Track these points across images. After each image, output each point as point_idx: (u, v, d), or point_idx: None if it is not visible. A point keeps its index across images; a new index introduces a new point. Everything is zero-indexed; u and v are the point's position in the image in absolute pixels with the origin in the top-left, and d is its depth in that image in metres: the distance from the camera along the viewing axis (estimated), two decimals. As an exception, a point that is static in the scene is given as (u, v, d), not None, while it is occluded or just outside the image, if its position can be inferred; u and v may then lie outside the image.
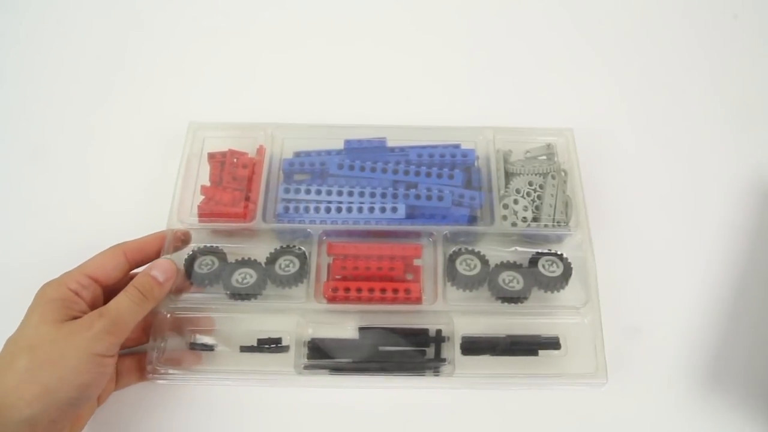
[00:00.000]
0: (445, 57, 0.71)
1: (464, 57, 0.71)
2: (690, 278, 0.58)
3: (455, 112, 0.67)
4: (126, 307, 0.46)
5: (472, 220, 0.58)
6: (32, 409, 0.41)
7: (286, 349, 0.52)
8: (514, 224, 0.56)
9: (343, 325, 0.54)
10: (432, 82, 0.69)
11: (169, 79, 0.70)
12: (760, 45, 0.72)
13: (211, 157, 0.61)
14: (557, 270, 0.55)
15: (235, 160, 0.60)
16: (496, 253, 0.56)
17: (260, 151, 0.60)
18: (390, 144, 0.61)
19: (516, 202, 0.57)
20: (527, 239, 0.57)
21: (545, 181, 0.58)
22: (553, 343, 0.53)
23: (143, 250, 0.52)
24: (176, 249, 0.54)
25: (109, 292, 0.48)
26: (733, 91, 0.69)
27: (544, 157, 0.60)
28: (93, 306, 0.47)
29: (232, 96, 0.68)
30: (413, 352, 0.53)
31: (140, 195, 0.62)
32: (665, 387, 0.53)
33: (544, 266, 0.55)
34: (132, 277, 0.50)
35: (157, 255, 0.52)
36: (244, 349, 0.52)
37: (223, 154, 0.60)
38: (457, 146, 0.60)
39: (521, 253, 0.56)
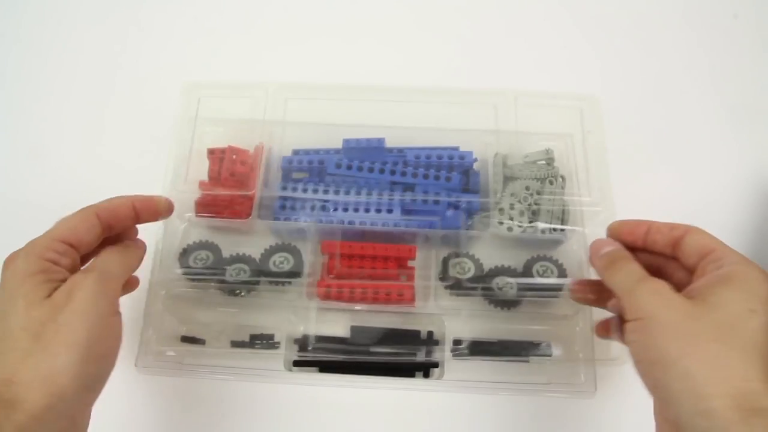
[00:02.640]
0: (446, 58, 0.71)
1: (464, 59, 0.70)
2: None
3: (455, 113, 0.66)
4: (111, 257, 0.42)
5: (468, 223, 0.58)
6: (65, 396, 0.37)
7: (276, 345, 0.52)
8: (509, 229, 0.56)
9: (335, 324, 0.54)
10: (432, 83, 0.69)
11: (170, 76, 0.69)
12: (760, 45, 0.71)
13: (211, 152, 0.61)
14: (552, 276, 0.54)
15: (234, 156, 0.60)
16: (491, 257, 0.56)
17: (259, 148, 0.61)
18: (389, 144, 0.61)
19: (512, 206, 0.56)
20: (522, 244, 0.57)
21: (543, 186, 0.58)
22: (544, 350, 0.53)
23: (115, 212, 0.44)
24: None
25: (86, 260, 0.43)
26: (733, 91, 0.68)
27: (543, 162, 0.60)
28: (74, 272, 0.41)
29: (233, 93, 0.67)
30: (404, 354, 0.53)
31: (138, 189, 0.61)
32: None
33: (538, 272, 0.54)
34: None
35: (130, 219, 0.46)
36: (235, 344, 0.52)
37: (222, 151, 0.60)
38: (455, 149, 0.60)
39: (516, 257, 0.56)
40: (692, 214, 0.60)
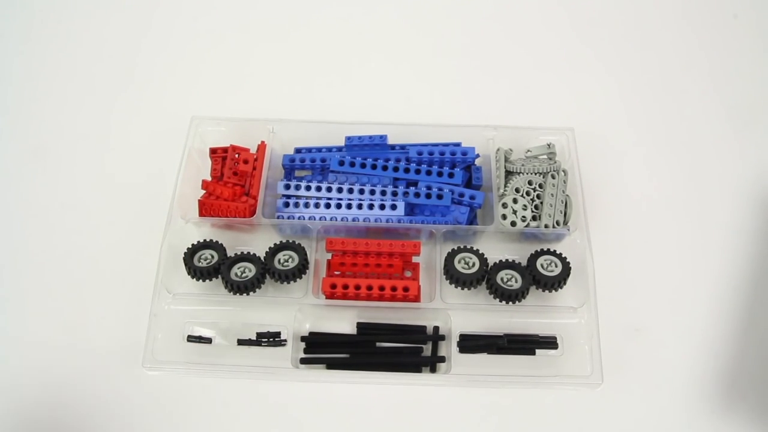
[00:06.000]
0: (447, 56, 0.71)
1: (466, 56, 0.71)
2: (689, 279, 0.58)
3: (456, 110, 0.67)
4: None
5: (472, 218, 0.58)
6: None
7: (283, 343, 0.52)
8: (513, 224, 0.56)
9: (341, 321, 0.54)
10: (434, 80, 0.69)
11: (171, 75, 0.70)
12: (760, 45, 0.72)
13: (213, 152, 0.61)
14: (556, 269, 0.55)
15: (236, 155, 0.60)
16: (495, 251, 0.56)
17: (261, 146, 0.61)
18: (391, 141, 0.61)
19: (515, 201, 0.57)
20: (526, 239, 0.57)
21: (545, 181, 0.58)
22: (550, 343, 0.53)
23: None
24: None
25: None
26: (734, 91, 0.69)
27: (545, 157, 0.60)
28: None
29: (233, 93, 0.68)
30: (410, 349, 0.53)
31: (141, 190, 0.61)
32: (662, 388, 0.53)
33: (542, 265, 0.55)
34: None
35: None
36: (242, 342, 0.52)
37: (225, 150, 0.61)
38: (457, 144, 0.60)
39: (520, 251, 0.56)
40: (694, 215, 0.61)
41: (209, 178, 0.60)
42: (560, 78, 0.70)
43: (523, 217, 0.56)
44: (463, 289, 0.55)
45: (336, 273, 0.56)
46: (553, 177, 0.58)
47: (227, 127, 0.62)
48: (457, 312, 0.53)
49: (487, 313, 0.54)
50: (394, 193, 0.57)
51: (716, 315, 0.56)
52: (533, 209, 0.57)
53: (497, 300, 0.54)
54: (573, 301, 0.54)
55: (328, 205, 0.58)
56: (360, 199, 0.58)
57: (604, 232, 0.58)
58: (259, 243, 0.57)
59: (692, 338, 0.55)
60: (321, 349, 0.53)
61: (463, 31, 0.73)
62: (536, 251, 0.56)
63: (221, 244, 0.56)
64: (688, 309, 0.56)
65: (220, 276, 0.54)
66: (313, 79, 0.69)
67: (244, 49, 0.72)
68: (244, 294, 0.54)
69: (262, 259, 0.55)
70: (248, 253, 0.56)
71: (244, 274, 0.54)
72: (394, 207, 0.57)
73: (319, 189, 0.58)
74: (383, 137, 0.60)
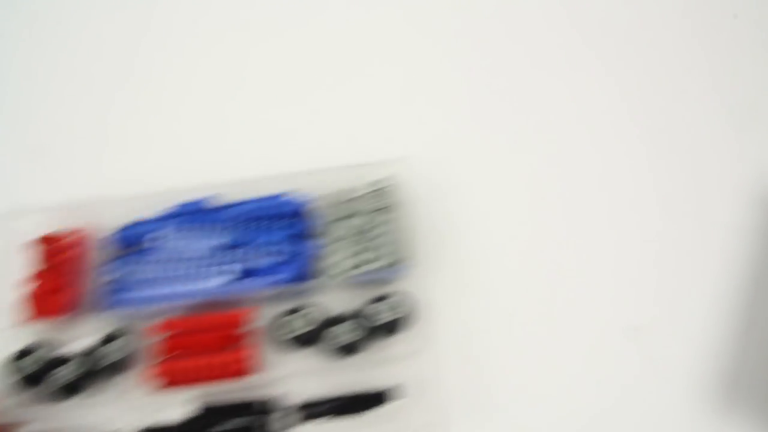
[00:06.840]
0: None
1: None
2: (688, 278, 0.56)
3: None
4: None
5: (301, 274, 0.55)
6: None
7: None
8: (340, 273, 0.53)
9: (177, 408, 0.51)
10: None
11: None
12: (760, 45, 0.70)
13: (26, 247, 0.57)
14: (391, 314, 0.52)
15: (50, 246, 0.57)
16: (329, 304, 0.53)
17: (77, 233, 0.57)
18: (221, 201, 0.58)
19: (342, 248, 0.54)
20: (361, 285, 0.55)
21: (373, 220, 0.55)
22: (394, 393, 0.50)
23: None
24: None
25: None
26: (733, 91, 0.67)
27: (371, 195, 0.58)
28: None
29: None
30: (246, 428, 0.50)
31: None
32: (661, 386, 0.52)
33: (372, 312, 0.52)
34: None
35: None
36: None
37: (37, 242, 0.57)
38: (277, 197, 0.57)
39: (353, 301, 0.54)
40: (694, 214, 0.59)
41: (30, 275, 0.57)
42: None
43: (355, 264, 0.54)
44: (297, 351, 0.52)
45: (163, 359, 0.53)
46: (381, 215, 0.55)
47: (43, 218, 0.58)
48: (295, 378, 0.51)
49: (326, 374, 0.52)
50: (221, 261, 0.54)
51: (715, 314, 0.55)
52: (360, 252, 0.54)
53: (335, 357, 0.51)
54: (414, 345, 0.52)
55: (156, 283, 0.54)
56: (187, 272, 0.55)
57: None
58: (86, 335, 0.53)
59: (691, 337, 0.54)
60: (153, 446, 0.50)
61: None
62: (369, 298, 0.53)
63: (48, 344, 0.52)
64: (687, 308, 0.55)
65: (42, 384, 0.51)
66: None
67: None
68: (68, 399, 0.51)
69: (83, 354, 0.52)
70: (68, 353, 0.52)
71: (63, 379, 0.51)
72: (222, 274, 0.54)
73: (146, 266, 0.55)
74: (199, 202, 0.57)
